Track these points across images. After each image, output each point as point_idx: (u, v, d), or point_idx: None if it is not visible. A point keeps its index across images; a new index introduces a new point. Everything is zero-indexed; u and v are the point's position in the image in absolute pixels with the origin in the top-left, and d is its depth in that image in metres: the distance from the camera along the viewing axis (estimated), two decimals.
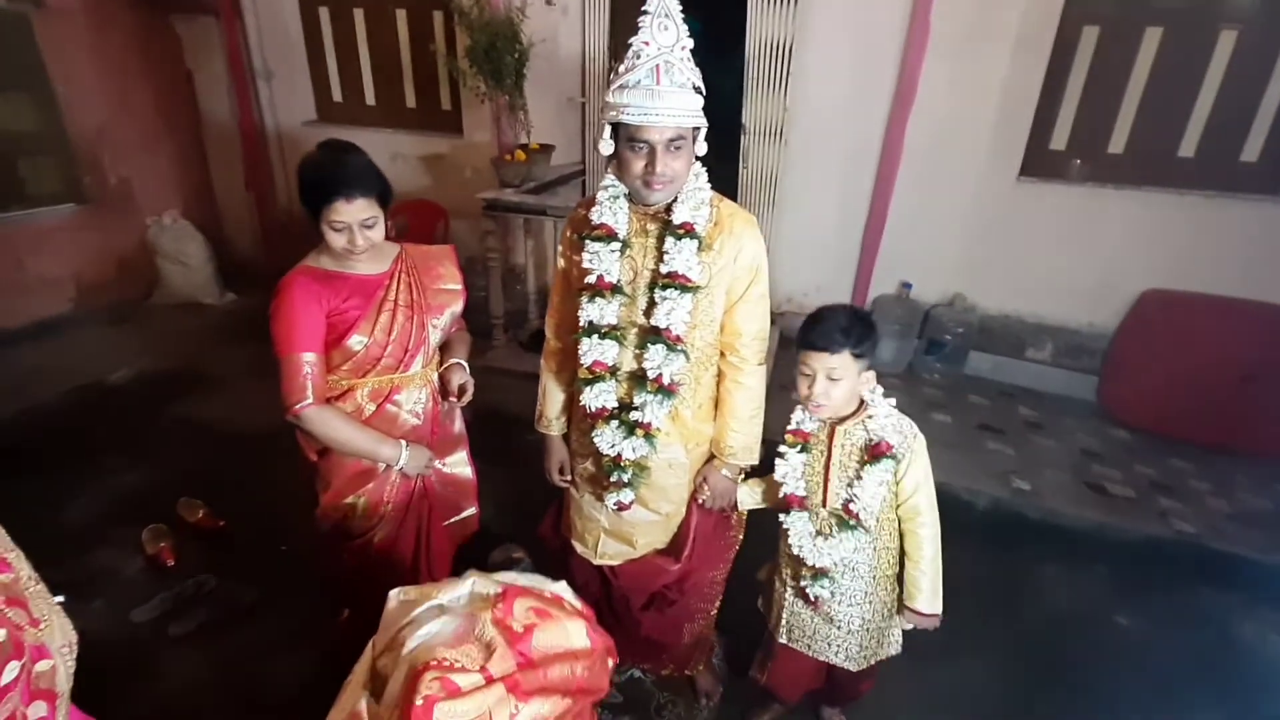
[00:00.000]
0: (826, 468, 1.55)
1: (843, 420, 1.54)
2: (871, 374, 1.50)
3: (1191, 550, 2.72)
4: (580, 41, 3.93)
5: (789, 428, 1.61)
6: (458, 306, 1.73)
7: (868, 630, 1.65)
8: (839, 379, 1.45)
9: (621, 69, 1.35)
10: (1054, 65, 3.40)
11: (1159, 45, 3.27)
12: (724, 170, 3.92)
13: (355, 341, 1.54)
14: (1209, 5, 3.17)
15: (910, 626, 1.66)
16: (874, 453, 1.48)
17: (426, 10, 4.26)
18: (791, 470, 1.59)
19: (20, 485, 2.80)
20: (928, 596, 1.58)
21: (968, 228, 3.73)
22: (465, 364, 1.78)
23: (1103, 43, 3.35)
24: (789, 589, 1.70)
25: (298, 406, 1.48)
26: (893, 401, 1.53)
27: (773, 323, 4.11)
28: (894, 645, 1.69)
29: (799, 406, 1.61)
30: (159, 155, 4.75)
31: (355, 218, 1.46)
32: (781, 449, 1.60)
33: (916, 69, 3.45)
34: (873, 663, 1.68)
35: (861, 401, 1.53)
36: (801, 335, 1.49)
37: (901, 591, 1.62)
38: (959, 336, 3.86)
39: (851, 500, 1.51)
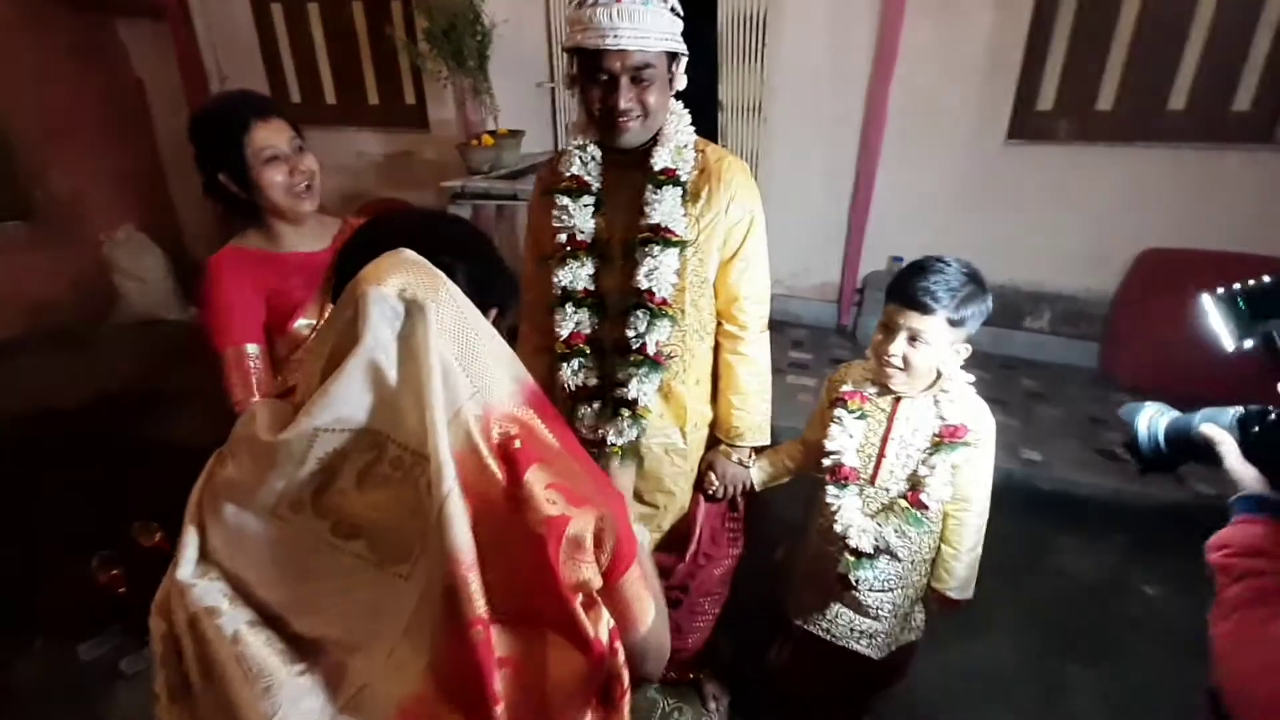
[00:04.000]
0: (884, 442, 1.37)
1: (912, 392, 1.34)
2: (967, 347, 1.29)
3: (1213, 513, 2.58)
4: (544, 23, 3.76)
5: (845, 389, 1.41)
6: None
7: (895, 616, 1.49)
8: (923, 345, 1.24)
9: None
10: (1036, 23, 3.28)
11: None
12: None
13: (302, 325, 1.37)
14: None
15: (937, 611, 1.50)
16: (949, 436, 1.30)
17: (384, 1, 4.08)
18: (850, 439, 1.39)
19: None
20: (962, 585, 1.44)
21: (957, 196, 3.60)
22: None
23: None
24: (812, 568, 1.53)
25: (247, 403, 1.30)
26: (971, 379, 1.34)
27: None
28: (915, 630, 1.53)
29: (855, 362, 1.42)
30: (112, 167, 4.53)
31: (282, 139, 1.30)
32: (838, 413, 1.40)
33: (896, 32, 3.33)
34: (893, 649, 1.51)
35: (937, 374, 1.33)
36: (893, 284, 1.29)
37: (930, 575, 1.47)
38: None
39: (920, 488, 1.33)
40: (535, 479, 0.65)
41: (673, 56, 1.24)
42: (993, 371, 3.63)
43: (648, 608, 0.81)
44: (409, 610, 0.64)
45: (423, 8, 3.11)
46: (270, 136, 1.29)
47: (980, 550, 1.44)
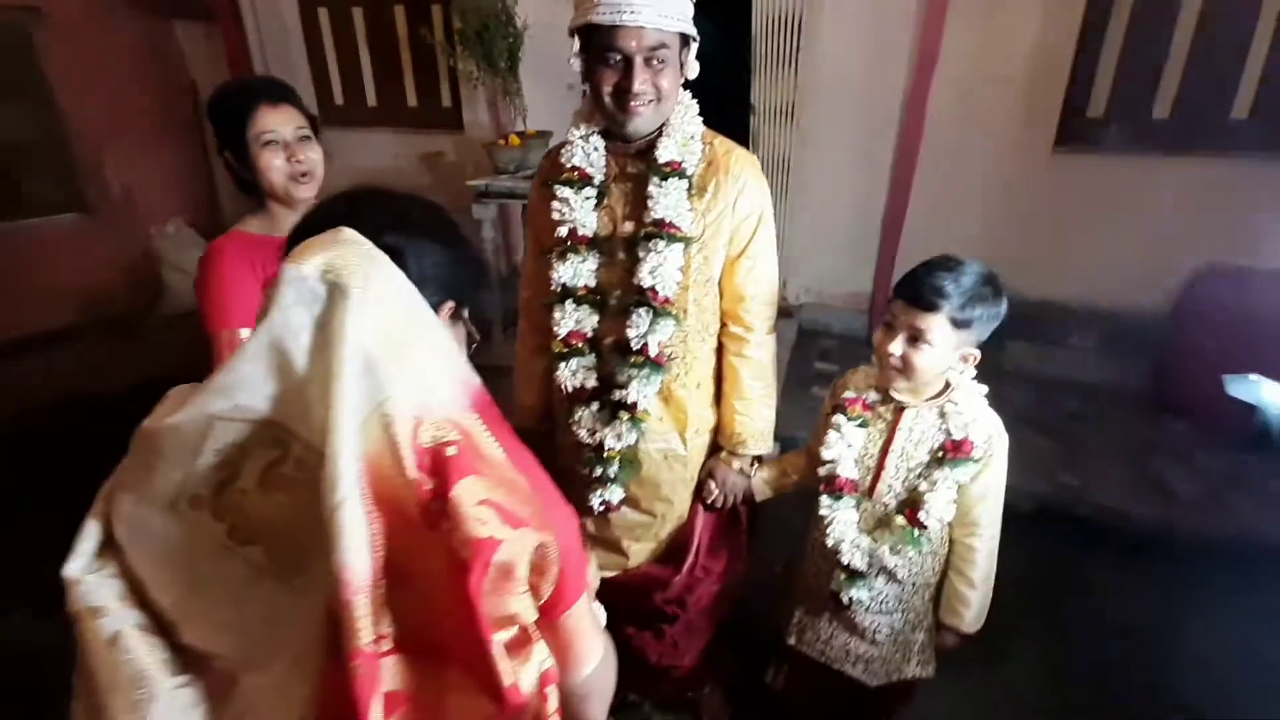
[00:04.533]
0: (884, 452, 1.30)
1: (916, 400, 1.27)
2: (975, 354, 1.22)
3: (1274, 555, 2.40)
4: None
5: (846, 395, 1.34)
6: None
7: (894, 642, 1.39)
8: (925, 345, 1.17)
9: None
10: (1088, 25, 3.13)
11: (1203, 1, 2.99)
12: None
13: None
14: None
15: (951, 645, 1.40)
16: (954, 451, 1.22)
17: (425, 5, 4.15)
18: (848, 448, 1.32)
19: (1, 495, 2.70)
20: (974, 617, 1.34)
21: (999, 206, 3.45)
22: None
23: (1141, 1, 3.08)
24: (809, 585, 1.46)
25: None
26: (984, 390, 1.26)
27: (789, 315, 3.94)
28: (921, 665, 1.42)
29: (860, 367, 1.36)
30: (162, 164, 4.70)
31: (287, 125, 1.30)
32: (837, 419, 1.33)
33: (937, 34, 3.21)
34: (894, 679, 1.42)
35: (947, 384, 1.26)
36: (901, 280, 1.23)
37: (937, 605, 1.38)
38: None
39: (919, 505, 1.25)
40: (466, 492, 0.57)
41: (685, 41, 1.19)
42: (1033, 391, 3.46)
43: (593, 647, 0.73)
44: (305, 628, 0.56)
45: (458, 10, 3.14)
46: (273, 121, 1.30)
47: (993, 580, 1.34)
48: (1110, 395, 3.41)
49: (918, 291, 1.17)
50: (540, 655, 0.66)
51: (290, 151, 1.31)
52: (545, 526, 0.63)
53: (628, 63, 1.15)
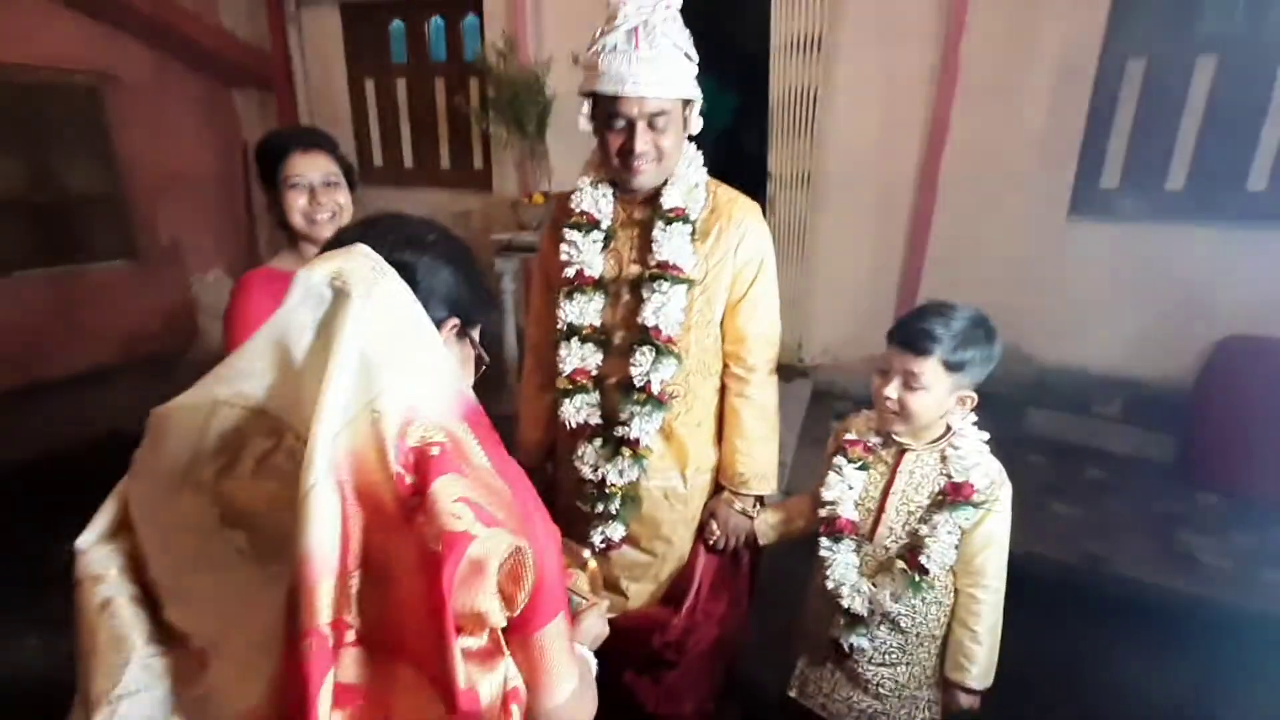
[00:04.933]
0: (884, 495, 1.30)
1: (916, 444, 1.28)
2: (971, 397, 1.24)
3: None
4: None
5: (847, 437, 1.36)
6: None
7: (899, 697, 1.34)
8: (919, 389, 1.19)
9: (598, 31, 1.21)
10: (1098, 100, 3.23)
11: (1214, 75, 3.07)
12: None
13: None
14: (1264, 31, 2.97)
15: (960, 705, 1.34)
16: (953, 494, 1.22)
17: (463, 76, 4.44)
18: (849, 489, 1.32)
19: (32, 521, 2.76)
20: (981, 672, 1.29)
21: (1014, 272, 3.48)
22: None
23: (1151, 75, 3.18)
24: (810, 631, 1.42)
25: None
26: (985, 436, 1.27)
27: (804, 375, 3.94)
28: None
29: (863, 411, 1.38)
30: (209, 217, 4.98)
31: (315, 171, 1.38)
32: (838, 461, 1.34)
33: (947, 110, 3.34)
34: None
35: (947, 428, 1.27)
36: (895, 326, 1.26)
37: (943, 661, 1.33)
38: (1012, 390, 3.54)
39: (920, 549, 1.24)
40: (444, 489, 0.58)
41: (687, 101, 1.27)
42: (1055, 459, 3.38)
43: (566, 675, 0.72)
44: (270, 612, 0.57)
45: (493, 80, 3.36)
46: (301, 166, 1.38)
47: (999, 633, 1.30)
48: (1134, 465, 3.31)
49: (910, 336, 1.20)
50: (507, 670, 0.66)
51: (313, 195, 1.39)
52: (522, 533, 0.63)
53: (630, 127, 1.22)
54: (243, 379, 0.63)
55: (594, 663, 0.86)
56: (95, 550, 0.64)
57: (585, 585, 1.01)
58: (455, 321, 0.77)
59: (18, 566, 2.53)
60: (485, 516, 0.60)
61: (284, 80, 4.77)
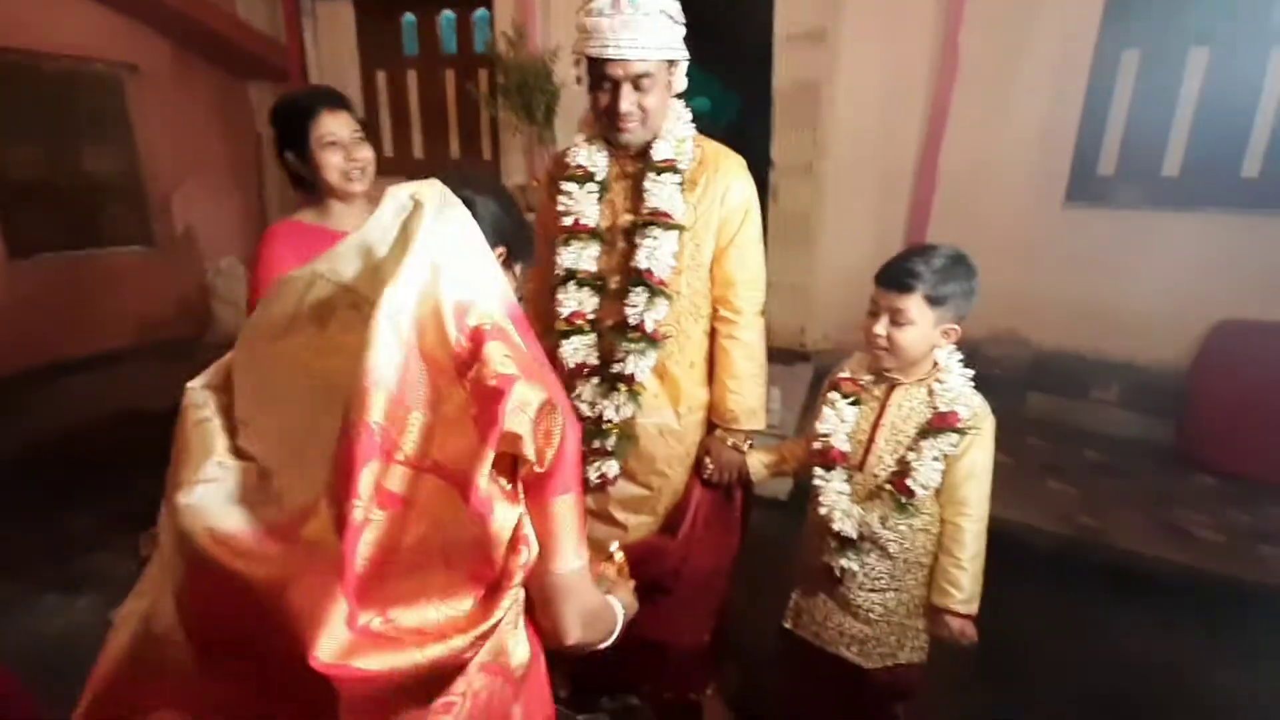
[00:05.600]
0: (874, 427, 1.36)
1: (906, 379, 1.34)
2: (955, 329, 1.30)
3: None
4: None
5: (841, 374, 1.43)
6: None
7: (888, 623, 1.39)
8: (905, 324, 1.26)
9: None
10: (1094, 90, 3.29)
11: (1206, 66, 3.13)
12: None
13: None
14: (1256, 23, 3.03)
15: (950, 630, 1.39)
16: (939, 423, 1.28)
17: (473, 68, 4.54)
18: (842, 423, 1.38)
19: (48, 493, 2.88)
20: (966, 596, 1.34)
21: (1013, 257, 3.52)
22: None
23: (1145, 66, 3.24)
24: (805, 564, 1.48)
25: None
26: (970, 373, 1.33)
27: (806, 359, 4.00)
28: (914, 651, 1.41)
29: (856, 353, 1.44)
30: (223, 206, 5.09)
31: (346, 129, 1.45)
32: (831, 396, 1.41)
33: (946, 98, 3.41)
34: (888, 664, 1.40)
35: (935, 364, 1.33)
36: (878, 271, 1.32)
37: (931, 592, 1.38)
38: (1009, 372, 3.58)
39: (907, 473, 1.30)
40: (494, 349, 0.72)
41: (672, 62, 1.34)
42: (1054, 441, 3.41)
43: (571, 552, 0.81)
44: (330, 439, 0.69)
45: (501, 67, 3.46)
46: (333, 125, 1.45)
47: (983, 561, 1.35)
48: (1132, 447, 3.35)
49: (894, 274, 1.27)
50: (522, 516, 0.75)
51: (347, 152, 1.46)
52: (557, 397, 0.76)
53: (616, 87, 1.29)
54: (339, 260, 0.78)
55: (620, 614, 1.01)
56: (200, 391, 0.82)
57: (614, 574, 1.16)
58: (502, 249, 0.91)
59: (37, 532, 2.62)
60: (529, 370, 0.73)
61: (298, 73, 4.89)
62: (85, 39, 4.14)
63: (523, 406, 0.70)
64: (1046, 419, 3.60)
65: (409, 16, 4.72)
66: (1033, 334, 3.62)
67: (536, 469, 0.74)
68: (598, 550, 1.28)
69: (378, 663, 0.63)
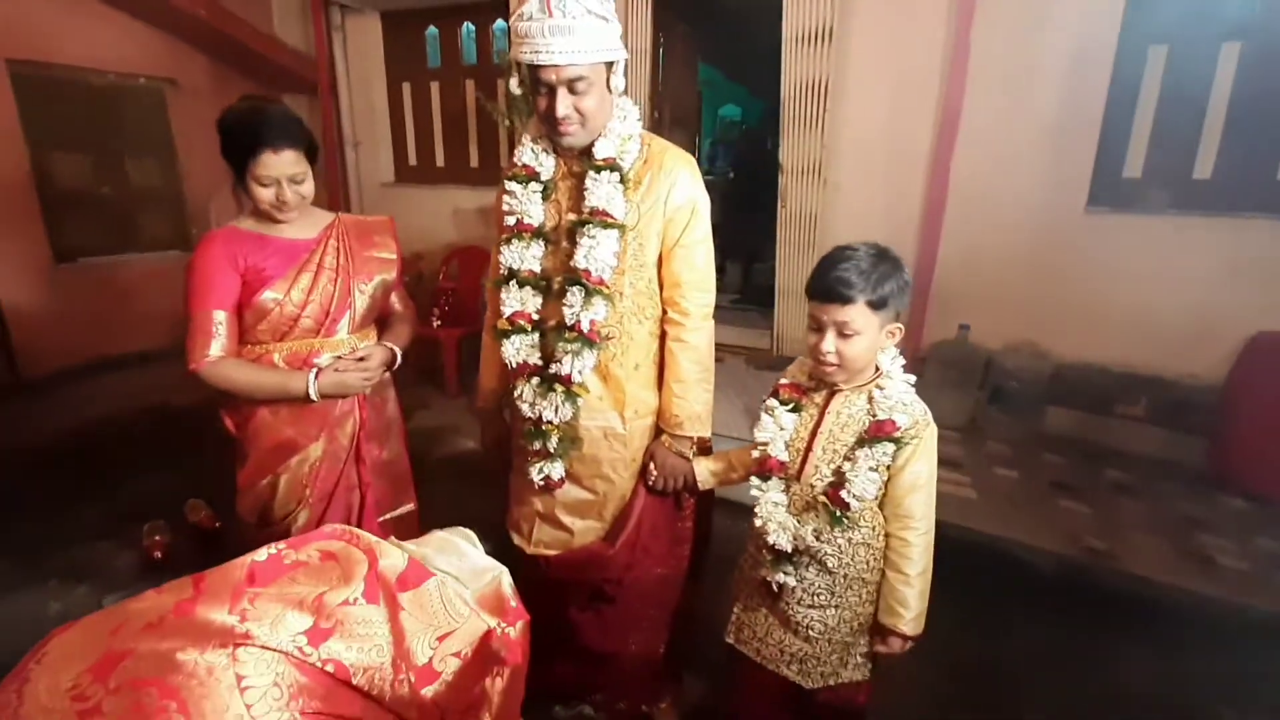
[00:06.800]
0: (812, 435, 1.31)
1: (846, 386, 1.29)
2: (898, 328, 1.25)
3: None
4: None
5: (782, 381, 1.38)
6: (390, 276, 1.64)
7: (829, 641, 1.33)
8: (853, 334, 1.20)
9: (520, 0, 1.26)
10: (1117, 88, 3.13)
11: (1238, 61, 2.95)
12: (766, 214, 3.87)
13: (267, 298, 1.46)
14: None
15: (893, 651, 1.33)
16: (875, 431, 1.23)
17: (491, 78, 4.63)
18: (780, 430, 1.34)
19: (66, 484, 3.02)
20: (914, 614, 1.28)
21: (1031, 265, 3.38)
22: (398, 349, 1.64)
23: (1173, 62, 3.07)
24: (746, 577, 1.44)
25: (201, 361, 1.44)
26: (912, 379, 1.27)
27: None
28: (856, 669, 1.35)
29: (799, 358, 1.40)
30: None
31: (284, 171, 1.41)
32: (770, 403, 1.36)
33: (959, 99, 3.29)
34: (830, 683, 1.34)
35: (876, 369, 1.28)
36: (809, 282, 1.26)
37: (877, 607, 1.32)
38: (1027, 385, 3.42)
39: (841, 484, 1.24)
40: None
41: (611, 63, 1.31)
42: (1072, 458, 3.24)
43: None
44: None
45: (513, 77, 3.49)
46: (272, 166, 1.40)
47: (930, 578, 1.28)
48: (1158, 467, 3.15)
49: (829, 287, 1.20)
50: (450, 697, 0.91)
51: (280, 189, 1.43)
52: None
53: (552, 92, 1.28)
54: None
55: None
56: None
57: None
58: None
59: (50, 520, 2.76)
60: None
61: (328, 85, 5.07)
62: (129, 56, 4.39)
63: None
64: (1067, 435, 3.42)
65: (432, 29, 4.85)
66: (1052, 345, 3.46)
67: None
68: None
69: None
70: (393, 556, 0.96)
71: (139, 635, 0.79)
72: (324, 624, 0.84)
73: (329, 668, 0.82)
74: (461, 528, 1.19)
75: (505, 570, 1.08)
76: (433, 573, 0.96)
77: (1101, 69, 3.11)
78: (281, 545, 0.97)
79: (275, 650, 0.79)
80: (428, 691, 0.88)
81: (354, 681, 0.83)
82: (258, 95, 1.55)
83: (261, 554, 0.94)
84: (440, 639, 0.91)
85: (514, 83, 1.37)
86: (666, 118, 4.56)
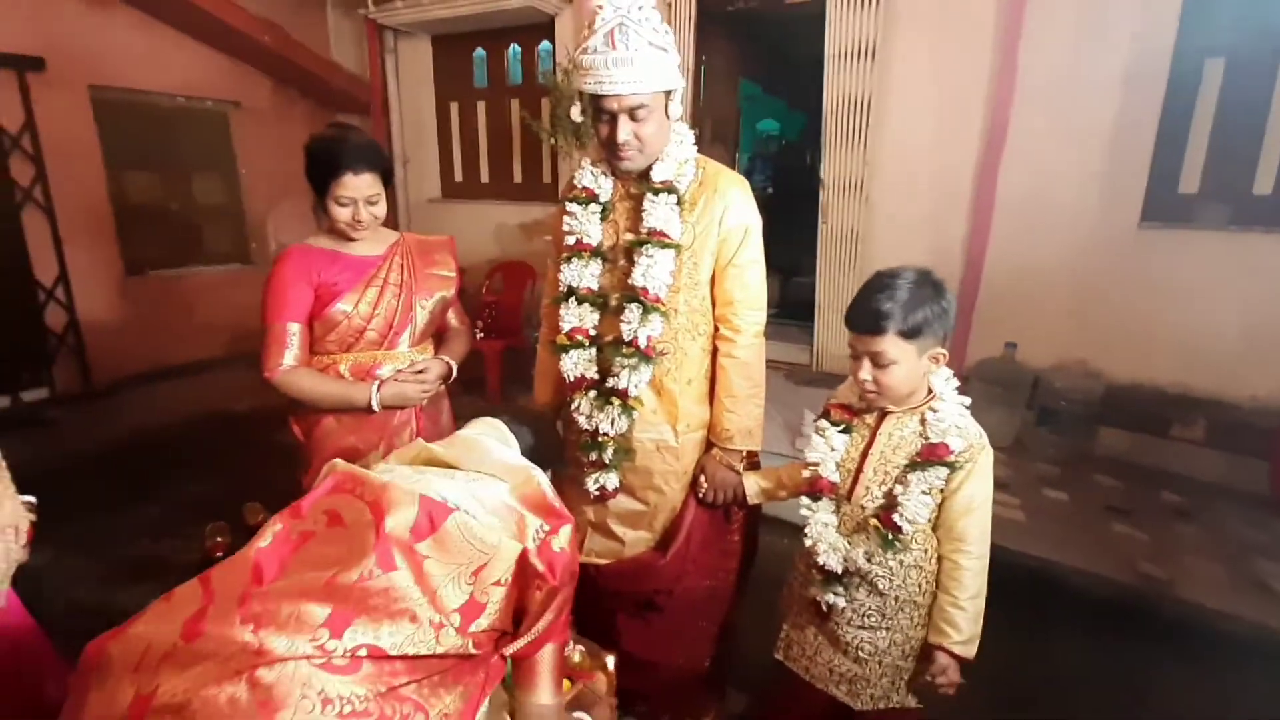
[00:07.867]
0: (863, 457, 1.31)
1: (898, 408, 1.29)
2: (942, 353, 1.24)
3: None
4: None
5: (833, 400, 1.39)
6: (449, 293, 1.73)
7: (879, 663, 1.34)
8: (887, 364, 1.20)
9: (584, 34, 1.33)
10: (1172, 102, 3.07)
11: None
12: (804, 227, 3.88)
13: (337, 310, 1.56)
14: None
15: (942, 671, 1.32)
16: (927, 454, 1.23)
17: (536, 98, 4.75)
18: (831, 451, 1.35)
19: (133, 484, 3.18)
20: (965, 637, 1.27)
21: (1081, 282, 3.32)
22: (453, 362, 1.73)
23: (1231, 75, 3.00)
24: (796, 595, 1.45)
25: (275, 370, 1.54)
26: (967, 401, 1.27)
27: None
28: (910, 695, 1.35)
29: (849, 379, 1.40)
30: (312, 227, 5.47)
31: (362, 192, 1.51)
32: (821, 423, 1.38)
33: (1006, 113, 3.27)
34: (880, 707, 1.34)
35: (930, 391, 1.28)
36: (848, 309, 1.28)
37: (928, 630, 1.32)
38: (1077, 405, 3.34)
39: (894, 508, 1.25)
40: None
41: (669, 91, 1.37)
42: (1126, 480, 3.16)
43: (545, 687, 1.05)
44: None
45: (554, 96, 3.61)
46: (352, 187, 1.51)
47: (983, 601, 1.28)
48: (1217, 491, 3.05)
49: (861, 317, 1.22)
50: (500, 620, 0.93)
51: (357, 209, 1.54)
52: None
53: (614, 120, 1.34)
54: None
55: None
56: None
57: (603, 688, 1.22)
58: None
59: (119, 518, 2.91)
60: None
61: (380, 105, 5.27)
62: (197, 80, 4.64)
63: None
64: (1121, 457, 3.33)
65: (480, 51, 5.01)
66: (1105, 365, 3.38)
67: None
68: (594, 658, 1.39)
69: None
70: (401, 509, 0.91)
71: (159, 668, 0.79)
72: (343, 608, 0.82)
73: (361, 652, 0.80)
74: (490, 419, 1.20)
75: (537, 469, 1.08)
76: (451, 509, 0.93)
77: (1156, 83, 3.06)
78: (283, 521, 0.96)
79: (295, 659, 0.77)
80: (481, 623, 0.88)
81: (391, 654, 0.82)
82: (342, 123, 1.66)
83: (266, 537, 0.93)
84: (475, 573, 0.89)
85: (575, 110, 1.43)
86: (707, 134, 4.62)
